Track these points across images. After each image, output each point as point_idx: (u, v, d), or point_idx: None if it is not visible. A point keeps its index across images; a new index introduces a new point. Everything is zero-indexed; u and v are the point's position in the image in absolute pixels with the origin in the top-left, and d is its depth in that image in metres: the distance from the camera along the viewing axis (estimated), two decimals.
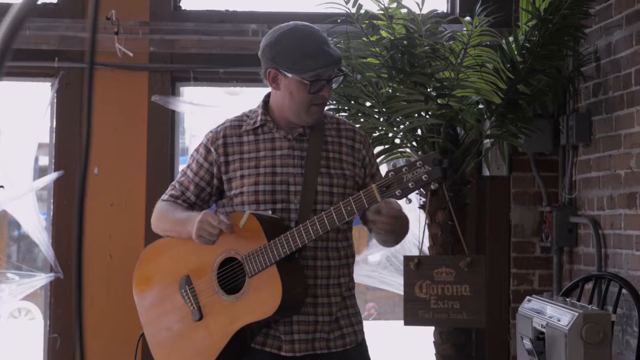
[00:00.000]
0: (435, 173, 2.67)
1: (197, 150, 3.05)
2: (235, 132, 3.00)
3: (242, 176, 2.94)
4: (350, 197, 2.77)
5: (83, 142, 1.07)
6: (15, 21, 1.31)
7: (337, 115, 3.13)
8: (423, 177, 2.67)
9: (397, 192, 2.69)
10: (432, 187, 2.77)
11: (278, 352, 2.90)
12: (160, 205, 3.07)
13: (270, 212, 2.89)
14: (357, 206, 2.75)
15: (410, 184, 2.68)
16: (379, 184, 2.72)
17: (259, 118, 2.99)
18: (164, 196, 3.08)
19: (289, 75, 2.89)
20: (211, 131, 3.04)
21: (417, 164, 2.68)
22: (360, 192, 2.76)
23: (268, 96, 3.02)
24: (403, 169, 2.69)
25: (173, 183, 3.09)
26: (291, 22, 2.97)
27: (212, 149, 2.99)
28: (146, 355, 3.13)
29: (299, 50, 2.87)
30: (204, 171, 3.00)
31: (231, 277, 2.88)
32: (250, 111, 3.05)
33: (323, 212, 2.78)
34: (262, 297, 2.80)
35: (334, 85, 3.06)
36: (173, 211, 2.99)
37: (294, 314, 2.88)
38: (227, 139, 2.99)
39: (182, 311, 2.95)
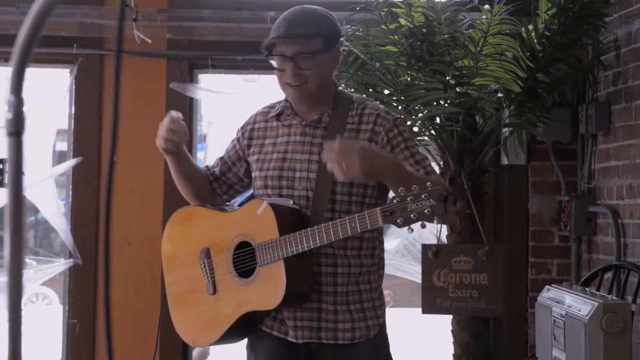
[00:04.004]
0: (438, 209, 2.55)
1: (236, 132, 3.17)
2: (263, 118, 3.09)
3: (257, 160, 3.02)
4: (356, 215, 2.70)
5: (109, 135, 1.07)
6: (42, 9, 1.32)
7: (367, 99, 3.06)
8: (426, 210, 2.56)
9: (399, 220, 2.60)
10: (435, 222, 2.63)
11: (285, 337, 2.93)
12: None
13: (291, 201, 2.90)
14: (360, 225, 2.69)
15: (412, 215, 2.57)
16: (384, 208, 2.63)
17: (281, 105, 3.05)
18: None
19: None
20: (250, 116, 3.15)
21: (423, 195, 2.56)
22: (365, 212, 2.68)
23: None
24: (408, 198, 2.58)
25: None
26: None
27: (241, 133, 3.11)
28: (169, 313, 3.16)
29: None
30: (233, 152, 3.13)
31: (245, 261, 2.91)
32: (284, 99, 3.08)
33: (330, 223, 2.74)
34: (268, 289, 2.84)
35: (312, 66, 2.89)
36: None
37: (301, 306, 2.90)
38: (256, 124, 3.09)
39: (200, 282, 3.01)
